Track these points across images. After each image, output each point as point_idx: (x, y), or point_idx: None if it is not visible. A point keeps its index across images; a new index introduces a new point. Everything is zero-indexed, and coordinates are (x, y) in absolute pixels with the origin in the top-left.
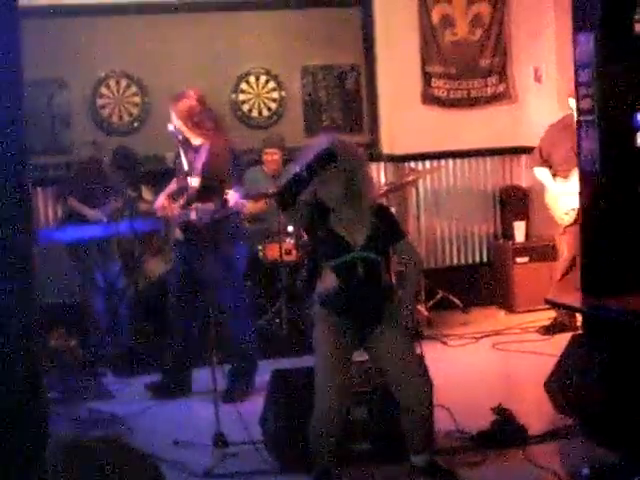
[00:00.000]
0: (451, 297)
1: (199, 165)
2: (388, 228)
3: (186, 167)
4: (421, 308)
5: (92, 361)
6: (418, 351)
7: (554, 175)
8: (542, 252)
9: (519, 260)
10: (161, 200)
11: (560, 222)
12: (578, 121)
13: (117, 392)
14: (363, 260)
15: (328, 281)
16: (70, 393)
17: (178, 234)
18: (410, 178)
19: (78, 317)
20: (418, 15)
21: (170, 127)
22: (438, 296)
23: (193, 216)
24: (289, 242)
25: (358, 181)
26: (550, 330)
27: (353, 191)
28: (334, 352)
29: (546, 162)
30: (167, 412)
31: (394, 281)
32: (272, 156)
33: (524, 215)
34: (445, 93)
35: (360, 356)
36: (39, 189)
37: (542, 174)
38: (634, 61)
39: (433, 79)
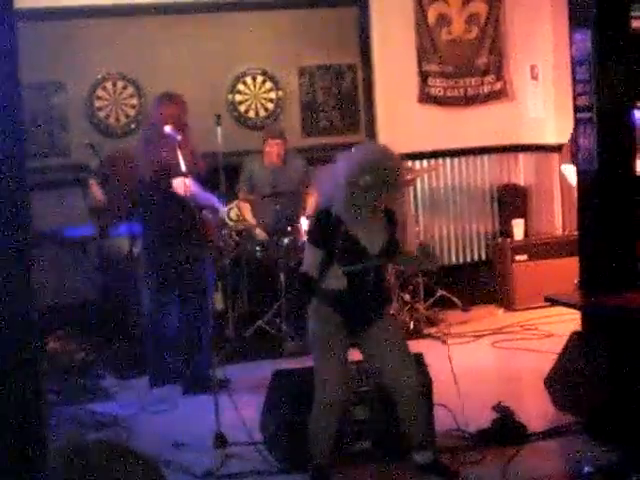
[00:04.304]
0: (450, 296)
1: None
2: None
3: (184, 168)
4: (420, 307)
5: (91, 363)
6: (417, 350)
7: None
8: (541, 250)
9: (518, 258)
10: None
11: None
12: (575, 119)
13: (117, 394)
14: (377, 266)
15: (337, 281)
16: (70, 395)
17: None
18: (408, 177)
19: (77, 318)
20: (414, 14)
21: (167, 128)
22: (437, 295)
23: None
24: (287, 243)
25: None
26: None
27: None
28: (333, 343)
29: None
30: (167, 413)
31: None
32: (275, 147)
33: (522, 213)
34: (442, 92)
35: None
36: (37, 192)
37: (568, 171)
38: (631, 58)
39: (430, 78)
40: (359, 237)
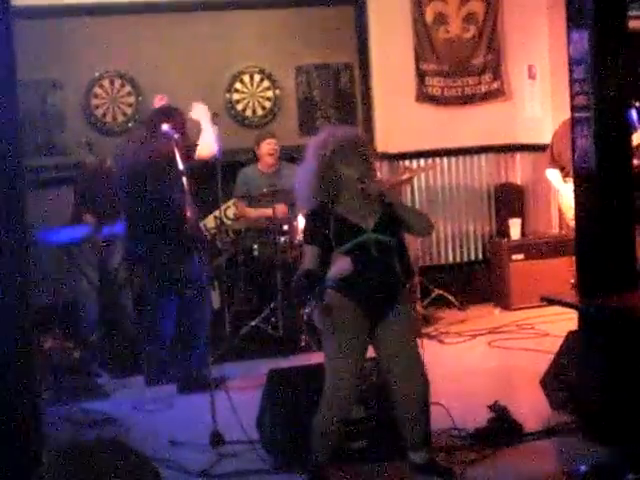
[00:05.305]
0: (447, 295)
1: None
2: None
3: (181, 166)
4: (417, 306)
5: (87, 361)
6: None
7: (567, 175)
8: (538, 249)
9: (515, 257)
10: None
11: (572, 224)
12: (572, 118)
13: (113, 392)
14: (376, 241)
15: (342, 265)
16: (66, 394)
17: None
18: (405, 176)
19: (73, 317)
20: (412, 13)
21: (165, 127)
22: (434, 294)
23: None
24: (284, 241)
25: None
26: None
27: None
28: (350, 339)
29: (557, 162)
30: (163, 412)
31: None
32: (272, 145)
33: (519, 212)
34: (439, 91)
35: None
36: (33, 191)
37: (552, 176)
38: (628, 57)
39: (427, 77)
40: (350, 217)
